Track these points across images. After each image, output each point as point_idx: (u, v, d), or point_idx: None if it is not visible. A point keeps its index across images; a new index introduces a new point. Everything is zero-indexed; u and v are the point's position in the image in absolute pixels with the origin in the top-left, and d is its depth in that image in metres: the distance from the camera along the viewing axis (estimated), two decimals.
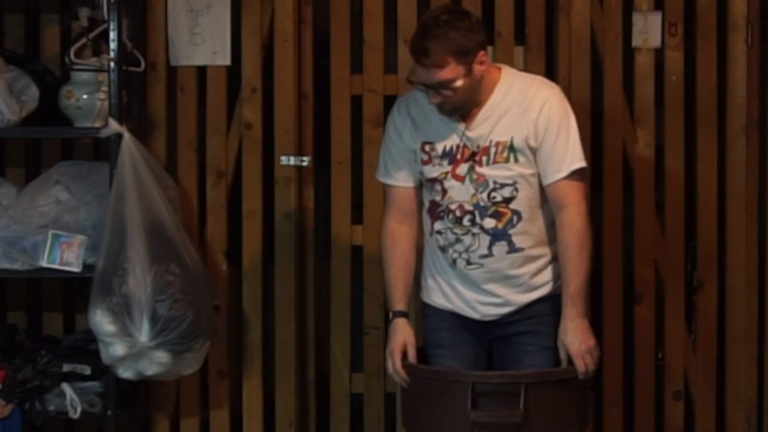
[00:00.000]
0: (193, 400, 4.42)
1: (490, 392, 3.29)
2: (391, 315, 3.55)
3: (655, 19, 4.40)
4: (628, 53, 4.39)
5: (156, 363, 3.88)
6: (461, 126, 3.46)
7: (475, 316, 3.53)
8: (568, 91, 4.03)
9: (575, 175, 3.43)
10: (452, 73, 3.33)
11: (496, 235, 3.46)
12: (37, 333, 4.40)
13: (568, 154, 3.43)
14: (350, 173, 4.44)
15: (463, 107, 3.43)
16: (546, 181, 3.44)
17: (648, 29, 4.40)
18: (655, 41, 4.41)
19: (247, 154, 4.39)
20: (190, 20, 4.35)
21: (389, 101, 4.42)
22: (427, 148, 3.50)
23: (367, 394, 4.45)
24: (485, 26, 4.27)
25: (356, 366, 4.48)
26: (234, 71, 4.40)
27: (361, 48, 4.45)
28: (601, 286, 4.37)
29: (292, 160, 4.39)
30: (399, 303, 3.55)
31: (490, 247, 3.46)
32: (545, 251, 3.52)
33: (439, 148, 3.48)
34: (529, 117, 3.42)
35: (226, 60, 4.37)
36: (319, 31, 4.48)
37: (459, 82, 3.34)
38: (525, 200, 3.46)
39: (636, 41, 4.40)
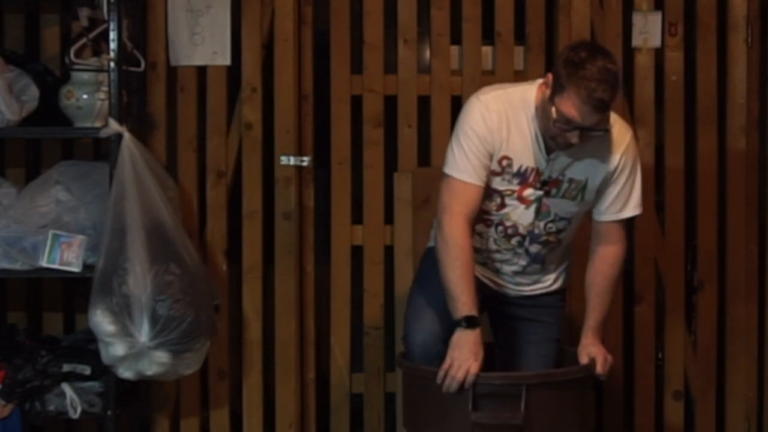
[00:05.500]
0: (193, 400, 4.42)
1: (491, 393, 3.29)
2: (463, 321, 3.35)
3: (655, 19, 4.40)
4: (628, 53, 4.39)
5: (156, 363, 3.88)
6: (543, 153, 3.46)
7: (491, 285, 3.63)
8: None
9: (630, 218, 3.61)
10: (609, 119, 3.42)
11: (535, 258, 3.60)
12: (37, 333, 4.39)
13: (633, 198, 3.56)
14: (350, 173, 4.44)
15: None
16: (602, 218, 3.58)
17: (648, 29, 4.40)
18: (655, 41, 4.41)
19: (247, 154, 4.39)
20: (190, 20, 4.35)
21: (389, 101, 4.44)
22: (504, 162, 3.47)
23: (367, 394, 4.46)
24: (485, 26, 4.30)
25: (356, 366, 4.48)
26: (234, 71, 4.40)
27: (361, 48, 4.45)
28: None
29: (292, 160, 4.38)
30: (473, 307, 3.37)
31: (525, 267, 3.61)
32: (563, 265, 3.72)
33: (516, 166, 3.47)
34: (608, 166, 3.49)
35: (226, 60, 4.37)
36: (319, 31, 4.48)
37: (609, 127, 3.41)
38: (572, 231, 3.63)
39: (636, 41, 4.40)
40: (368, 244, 4.43)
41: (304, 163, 4.41)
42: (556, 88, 3.32)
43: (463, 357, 3.30)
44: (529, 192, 3.49)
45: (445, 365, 3.32)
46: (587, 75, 3.25)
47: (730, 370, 4.46)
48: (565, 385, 3.39)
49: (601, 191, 3.53)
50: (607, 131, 3.41)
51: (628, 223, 3.66)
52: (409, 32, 4.44)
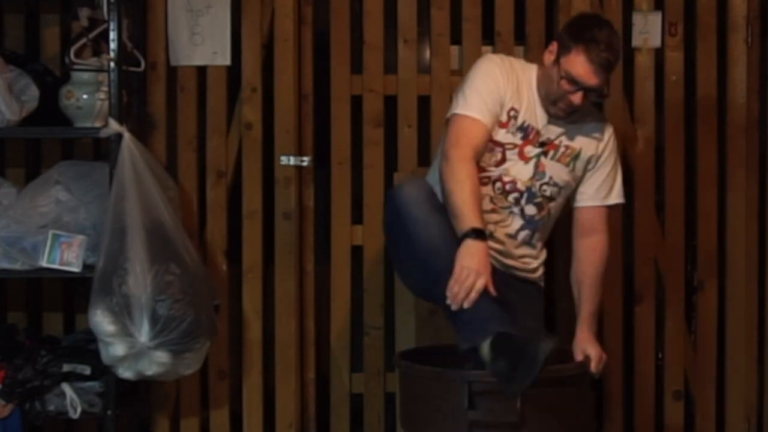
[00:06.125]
0: (193, 400, 4.42)
1: (488, 391, 3.29)
2: (470, 233, 3.29)
3: (655, 19, 4.40)
4: (628, 53, 4.39)
5: (156, 363, 3.88)
6: (545, 114, 3.60)
7: None
8: None
9: (612, 207, 3.76)
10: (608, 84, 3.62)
11: (528, 223, 3.63)
12: (37, 333, 4.39)
13: (616, 187, 3.74)
14: (350, 173, 4.44)
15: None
16: (589, 203, 3.70)
17: (648, 29, 4.40)
18: (655, 41, 4.41)
19: (247, 154, 4.39)
20: (190, 20, 4.35)
21: (389, 101, 4.44)
22: (511, 113, 3.58)
23: (367, 394, 4.45)
24: (485, 26, 4.30)
25: (356, 366, 4.48)
26: (234, 71, 4.40)
27: (361, 48, 4.45)
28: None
29: (292, 160, 4.39)
30: (478, 220, 3.33)
31: (518, 231, 3.61)
32: (542, 257, 3.74)
33: (520, 119, 3.58)
34: (599, 142, 3.68)
35: (226, 60, 4.38)
36: (319, 31, 4.48)
37: (605, 89, 3.60)
38: (557, 208, 3.69)
39: (636, 41, 4.40)
40: (368, 244, 4.43)
41: (304, 163, 4.42)
42: (563, 50, 3.50)
43: (474, 266, 3.25)
44: (529, 149, 3.59)
45: (456, 275, 3.25)
46: (594, 36, 3.45)
47: (730, 370, 4.45)
48: (562, 383, 3.39)
49: (588, 171, 3.67)
50: (607, 96, 3.69)
51: (611, 215, 3.79)
52: (409, 32, 4.44)
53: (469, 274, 3.24)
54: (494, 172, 3.56)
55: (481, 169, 3.52)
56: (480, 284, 3.24)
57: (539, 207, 3.62)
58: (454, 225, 3.35)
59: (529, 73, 3.65)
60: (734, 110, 4.43)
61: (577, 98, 3.50)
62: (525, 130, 3.58)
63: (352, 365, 4.47)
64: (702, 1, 4.41)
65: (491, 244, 3.48)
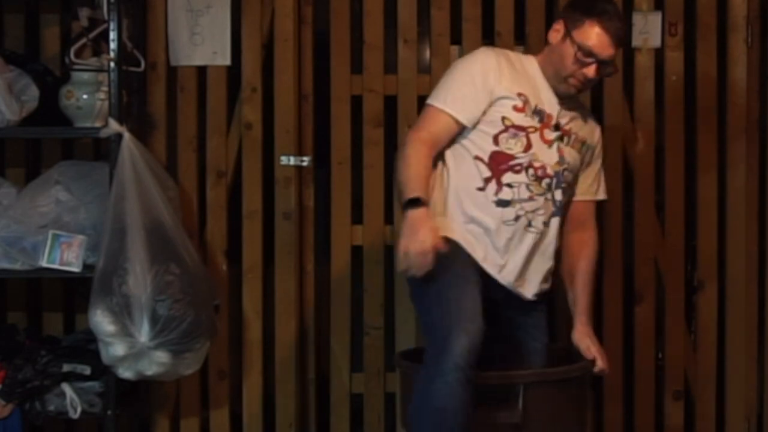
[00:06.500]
0: (193, 400, 4.42)
1: (489, 392, 3.29)
2: (412, 201, 3.31)
3: (655, 19, 4.40)
4: (628, 53, 4.39)
5: (156, 363, 3.88)
6: (554, 97, 3.57)
7: (498, 278, 3.51)
8: None
9: (599, 203, 3.81)
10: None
11: (558, 209, 3.59)
12: (37, 333, 4.39)
13: (603, 182, 3.77)
14: (350, 173, 4.44)
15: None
16: (583, 197, 3.73)
17: (648, 29, 4.40)
18: (655, 41, 4.41)
19: (247, 154, 4.39)
20: (190, 20, 4.35)
21: (389, 101, 4.43)
22: (522, 97, 3.52)
23: (367, 394, 4.45)
24: (485, 26, 4.29)
25: (356, 366, 4.48)
26: (234, 71, 4.40)
27: (361, 48, 4.45)
28: (601, 286, 4.37)
29: (292, 160, 4.39)
30: (420, 189, 3.35)
31: (550, 218, 3.55)
32: (554, 259, 3.67)
33: (533, 104, 3.53)
34: (594, 135, 3.71)
35: (226, 60, 4.38)
36: (319, 31, 4.48)
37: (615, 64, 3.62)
38: (572, 195, 3.70)
39: (636, 41, 4.40)
40: (368, 244, 4.43)
41: (304, 163, 4.42)
42: (574, 24, 3.50)
43: (415, 236, 3.25)
44: (547, 132, 3.54)
45: (400, 253, 3.27)
46: (606, 8, 3.50)
47: (730, 370, 4.45)
48: (563, 384, 3.39)
49: (584, 163, 3.67)
50: (617, 71, 3.66)
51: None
52: (409, 32, 4.44)
53: (412, 249, 3.23)
54: (524, 159, 3.49)
55: (510, 157, 3.47)
56: (428, 254, 3.23)
57: (564, 192, 3.59)
58: (399, 199, 3.40)
59: (528, 60, 3.63)
60: (734, 110, 4.42)
61: (591, 71, 3.49)
62: (540, 114, 3.53)
63: (352, 365, 4.47)
64: (702, 1, 4.41)
65: (529, 234, 3.49)
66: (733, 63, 4.43)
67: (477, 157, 3.48)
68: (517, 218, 3.49)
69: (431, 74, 4.43)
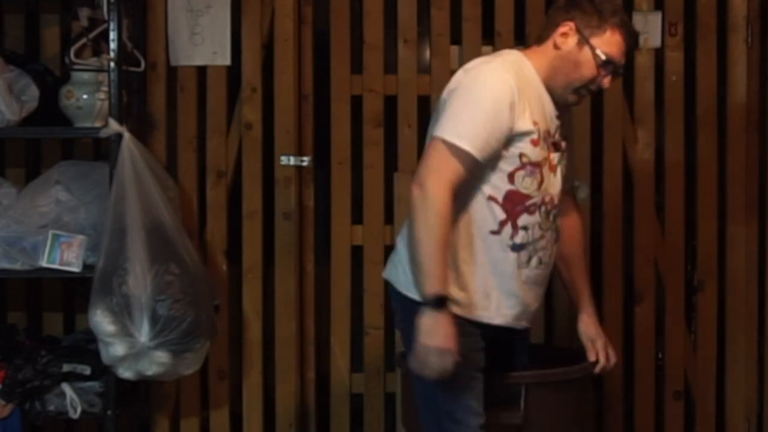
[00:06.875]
0: (193, 400, 4.42)
1: (490, 393, 3.29)
2: (432, 300, 2.98)
3: (655, 19, 4.40)
4: (628, 53, 4.38)
5: (156, 363, 3.88)
6: (552, 109, 3.22)
7: (510, 326, 3.25)
8: None
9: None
10: None
11: (559, 234, 3.30)
12: (37, 333, 4.39)
13: (573, 164, 3.46)
14: (350, 173, 4.44)
15: None
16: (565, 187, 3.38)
17: (648, 29, 4.40)
18: (655, 41, 4.41)
19: (247, 154, 4.39)
20: (190, 20, 4.35)
21: (389, 101, 4.43)
22: (536, 126, 3.13)
23: (367, 394, 4.45)
24: (485, 26, 4.29)
25: (356, 366, 4.48)
26: (234, 71, 4.40)
27: (361, 48, 4.45)
28: (601, 286, 4.37)
29: (292, 160, 4.39)
30: (443, 283, 2.99)
31: (553, 246, 3.27)
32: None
33: (543, 128, 3.16)
34: (571, 125, 3.39)
35: (226, 60, 4.37)
36: (319, 31, 4.48)
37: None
38: None
39: None
40: (368, 244, 4.43)
41: (304, 163, 4.42)
42: (591, 30, 3.15)
43: (436, 343, 2.97)
44: (553, 156, 3.20)
45: (417, 354, 3.00)
46: (619, 10, 3.20)
47: (730, 370, 4.45)
48: (565, 385, 3.39)
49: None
50: (621, 76, 3.34)
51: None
52: (409, 32, 4.44)
53: (430, 353, 2.98)
54: (538, 197, 3.15)
55: (527, 197, 3.13)
56: (448, 363, 2.98)
57: (559, 212, 3.29)
58: (415, 277, 3.05)
59: (524, 64, 3.19)
60: (734, 110, 4.42)
61: (608, 81, 3.18)
62: (546, 139, 3.17)
63: (352, 365, 4.47)
64: (702, 1, 4.41)
65: (540, 271, 3.21)
66: (733, 63, 4.43)
67: (491, 198, 3.12)
68: (528, 261, 3.18)
69: (431, 74, 4.43)
